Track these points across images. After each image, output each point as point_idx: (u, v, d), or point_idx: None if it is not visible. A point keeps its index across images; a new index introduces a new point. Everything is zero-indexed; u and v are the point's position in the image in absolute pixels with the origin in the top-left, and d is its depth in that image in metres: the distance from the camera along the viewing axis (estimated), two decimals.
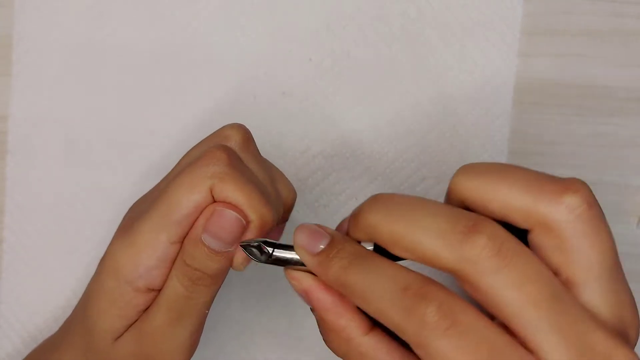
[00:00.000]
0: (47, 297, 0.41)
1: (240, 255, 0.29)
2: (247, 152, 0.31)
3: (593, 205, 0.24)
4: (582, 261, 0.23)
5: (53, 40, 0.41)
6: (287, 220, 0.35)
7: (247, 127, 0.41)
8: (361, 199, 0.41)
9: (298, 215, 0.41)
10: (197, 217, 0.28)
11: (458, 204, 0.26)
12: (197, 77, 0.41)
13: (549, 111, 0.42)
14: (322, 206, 0.41)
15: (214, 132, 0.32)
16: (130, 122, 0.41)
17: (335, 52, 0.41)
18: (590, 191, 0.24)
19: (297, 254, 0.27)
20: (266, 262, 0.27)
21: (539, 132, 0.42)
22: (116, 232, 0.31)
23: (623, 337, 0.24)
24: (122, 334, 0.30)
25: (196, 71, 0.41)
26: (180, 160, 0.33)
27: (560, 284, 0.23)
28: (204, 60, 0.41)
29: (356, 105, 0.41)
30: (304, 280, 0.27)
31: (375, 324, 0.26)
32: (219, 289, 0.30)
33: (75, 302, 0.40)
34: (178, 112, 0.41)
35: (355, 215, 0.26)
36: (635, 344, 0.25)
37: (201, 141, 0.33)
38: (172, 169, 0.33)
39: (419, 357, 0.23)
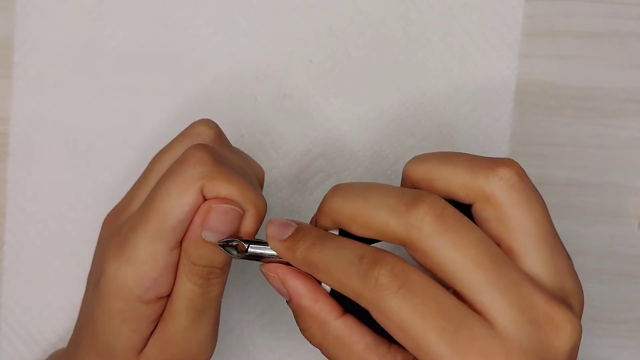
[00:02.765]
0: (49, 299, 0.41)
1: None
2: (222, 145, 0.32)
3: (524, 177, 0.26)
4: (519, 228, 0.26)
5: (54, 43, 0.41)
6: None
7: (248, 128, 0.42)
8: None
9: (299, 216, 0.41)
10: (191, 219, 0.29)
11: (410, 186, 0.29)
12: (197, 78, 0.41)
13: (549, 112, 0.42)
14: None
15: (184, 131, 0.32)
16: (131, 124, 0.41)
17: (336, 54, 0.41)
18: (520, 167, 0.27)
19: (268, 242, 0.29)
20: (243, 257, 0.29)
21: (539, 134, 0.42)
22: (109, 251, 0.30)
23: (564, 301, 0.26)
24: (144, 347, 0.31)
25: (197, 73, 0.41)
26: (151, 162, 0.33)
27: (500, 250, 0.25)
28: (205, 61, 0.41)
29: (357, 106, 0.41)
30: (279, 269, 0.28)
31: (346, 311, 0.28)
32: (227, 276, 0.31)
33: (76, 303, 0.41)
34: (179, 114, 0.41)
35: (320, 205, 0.29)
36: (581, 313, 0.27)
37: (171, 142, 0.33)
38: (144, 175, 0.33)
39: (377, 320, 0.25)
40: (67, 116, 0.41)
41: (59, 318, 0.41)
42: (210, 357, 0.32)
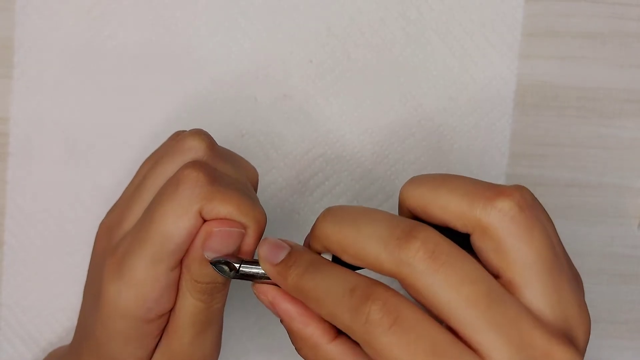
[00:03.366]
0: (48, 299, 0.41)
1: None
2: (215, 156, 0.31)
3: (525, 208, 0.25)
4: (519, 261, 0.24)
5: (53, 43, 0.41)
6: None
7: (248, 128, 0.42)
8: (362, 202, 0.41)
9: (299, 217, 0.41)
10: (191, 241, 0.28)
11: (407, 212, 0.28)
12: (197, 78, 0.41)
13: (549, 113, 0.42)
14: (323, 208, 0.41)
15: (175, 145, 0.31)
16: (131, 124, 0.41)
17: (336, 54, 0.41)
18: (525, 195, 0.25)
19: (260, 265, 0.28)
20: (234, 277, 0.28)
21: (540, 134, 0.42)
22: (106, 274, 0.29)
23: (568, 336, 0.24)
24: None
25: (197, 73, 0.41)
26: (145, 181, 0.31)
27: (499, 285, 0.24)
28: (205, 62, 0.41)
29: (357, 107, 0.41)
30: (270, 292, 0.28)
31: (340, 332, 0.27)
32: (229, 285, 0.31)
33: (76, 303, 0.41)
34: (178, 114, 0.41)
35: (312, 228, 0.28)
36: (586, 344, 0.26)
37: (161, 156, 0.32)
38: (136, 190, 0.32)
39: (370, 357, 0.24)
40: (67, 116, 0.41)
41: (58, 318, 0.41)
42: None
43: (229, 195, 0.28)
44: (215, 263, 0.28)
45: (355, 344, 0.27)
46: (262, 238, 0.29)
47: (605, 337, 0.42)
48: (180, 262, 0.29)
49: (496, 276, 0.25)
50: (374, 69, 0.41)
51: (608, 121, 0.42)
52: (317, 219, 0.28)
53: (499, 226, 0.24)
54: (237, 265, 0.28)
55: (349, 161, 0.41)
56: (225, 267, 0.28)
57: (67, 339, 0.41)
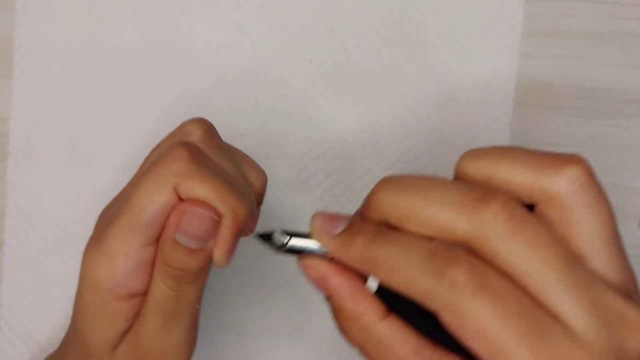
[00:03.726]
0: (48, 299, 0.41)
1: (219, 251, 0.28)
2: (211, 145, 0.30)
3: (592, 176, 0.24)
4: (587, 232, 0.24)
5: (54, 43, 0.41)
6: (261, 204, 0.34)
7: (248, 128, 0.42)
8: (362, 201, 0.41)
9: (299, 216, 0.41)
10: (167, 218, 0.28)
11: None
12: (198, 78, 0.41)
13: (549, 113, 0.42)
14: (324, 207, 0.41)
15: (175, 129, 0.31)
16: (131, 124, 0.41)
17: (336, 54, 0.41)
18: (589, 164, 0.25)
19: (315, 238, 0.26)
20: (281, 250, 0.27)
21: (539, 134, 0.42)
22: (88, 242, 0.30)
23: (632, 300, 0.24)
24: (118, 344, 0.30)
25: (197, 73, 0.41)
26: (144, 161, 0.32)
27: (573, 252, 0.24)
28: (205, 61, 0.41)
29: (357, 106, 0.41)
30: (321, 266, 0.26)
31: (391, 311, 0.26)
32: (205, 283, 0.30)
33: None
34: (179, 113, 0.41)
35: (368, 199, 0.26)
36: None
37: (163, 139, 0.32)
38: (138, 171, 0.32)
39: (446, 324, 0.23)
40: (67, 116, 0.41)
41: (58, 318, 0.41)
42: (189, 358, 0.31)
43: (207, 177, 0.27)
44: (262, 235, 0.27)
45: (406, 323, 0.26)
46: (315, 212, 0.27)
47: None
48: (156, 241, 0.28)
49: None
50: (374, 69, 0.41)
51: (608, 121, 0.42)
52: (374, 189, 0.26)
53: (568, 193, 0.24)
54: (284, 239, 0.27)
55: (349, 160, 0.41)
56: (273, 239, 0.27)
57: None
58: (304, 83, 0.41)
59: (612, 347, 0.23)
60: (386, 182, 0.26)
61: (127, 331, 0.30)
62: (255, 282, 0.42)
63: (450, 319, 0.23)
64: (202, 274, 0.29)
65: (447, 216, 0.23)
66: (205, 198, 0.27)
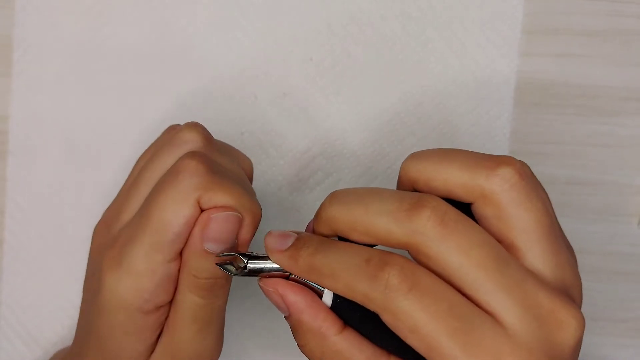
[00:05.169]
0: (48, 298, 0.41)
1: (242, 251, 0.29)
2: (212, 149, 0.31)
3: (525, 176, 0.26)
4: (520, 227, 0.26)
5: (53, 41, 0.41)
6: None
7: (248, 127, 0.42)
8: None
9: (299, 215, 0.41)
10: (189, 231, 0.28)
11: (408, 186, 0.28)
12: (197, 77, 0.41)
13: (549, 111, 0.42)
14: None
15: (171, 138, 0.31)
16: (130, 123, 0.41)
17: (336, 52, 0.41)
18: (524, 165, 0.27)
19: (268, 254, 0.28)
20: (242, 274, 0.28)
21: (539, 132, 0.42)
22: (104, 265, 0.29)
23: (567, 295, 0.26)
24: (148, 356, 0.31)
25: (197, 71, 0.41)
26: (142, 173, 0.31)
27: (503, 249, 0.25)
28: (205, 60, 0.41)
29: (357, 105, 0.41)
30: (278, 285, 0.28)
31: (346, 325, 0.27)
32: (231, 283, 0.31)
33: (76, 302, 0.41)
34: (178, 112, 0.41)
35: (317, 213, 0.28)
36: (580, 304, 0.27)
37: (158, 149, 0.32)
38: (133, 184, 0.32)
39: (387, 323, 0.25)
40: (66, 115, 0.41)
41: (58, 317, 0.41)
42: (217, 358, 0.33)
43: (226, 185, 0.28)
44: (221, 265, 0.28)
45: (362, 336, 0.27)
46: (268, 231, 0.29)
47: (604, 335, 0.42)
48: (179, 255, 0.29)
49: (498, 241, 0.26)
50: (374, 67, 0.41)
51: (608, 119, 0.42)
52: (322, 204, 0.28)
53: (501, 192, 0.25)
54: (245, 261, 0.28)
55: (348, 159, 0.41)
56: (231, 267, 0.28)
57: (68, 338, 0.41)
58: (303, 81, 0.41)
59: (541, 340, 0.24)
60: (332, 197, 0.28)
61: (155, 342, 0.31)
62: (256, 282, 0.42)
63: (388, 319, 0.25)
64: (229, 277, 0.30)
65: (384, 225, 0.25)
66: (226, 204, 0.28)
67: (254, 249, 0.29)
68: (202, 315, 0.30)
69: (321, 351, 0.27)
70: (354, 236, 0.26)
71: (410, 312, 0.24)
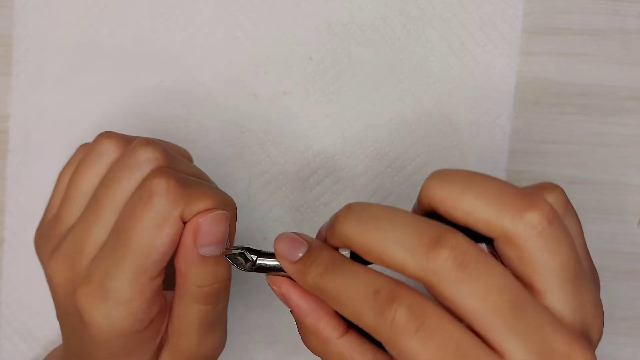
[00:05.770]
0: (48, 297, 0.41)
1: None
2: (171, 160, 0.30)
3: (554, 220, 0.24)
4: (543, 272, 0.25)
5: (53, 40, 0.41)
6: None
7: (248, 125, 0.42)
8: (362, 198, 0.41)
9: (299, 214, 0.41)
10: (175, 247, 0.28)
11: (427, 207, 0.27)
12: (197, 76, 0.41)
13: (550, 110, 0.42)
14: (323, 205, 0.41)
15: (127, 159, 0.30)
16: (130, 122, 0.41)
17: (336, 51, 0.41)
18: (556, 203, 0.26)
19: (278, 261, 0.28)
20: (250, 270, 0.28)
21: (540, 131, 0.42)
22: (87, 303, 0.28)
23: (585, 337, 0.25)
24: None
25: (197, 70, 0.41)
26: (102, 201, 0.30)
27: (523, 290, 0.24)
28: (205, 59, 0.41)
29: (357, 104, 0.41)
30: (284, 286, 0.28)
31: (350, 326, 0.27)
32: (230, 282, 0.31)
33: None
34: (178, 111, 0.41)
35: (331, 225, 0.27)
36: (599, 340, 0.26)
37: (114, 173, 0.30)
38: (92, 212, 0.30)
39: (392, 356, 0.24)
40: (66, 113, 0.41)
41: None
42: (222, 350, 0.33)
43: (202, 191, 0.29)
44: (230, 256, 0.28)
45: (364, 337, 0.27)
46: (280, 234, 0.29)
47: (605, 333, 0.42)
48: (164, 269, 0.29)
49: (518, 278, 0.25)
50: (374, 66, 0.41)
51: (608, 118, 0.42)
52: (337, 215, 0.27)
53: (526, 239, 0.24)
54: (253, 258, 0.28)
55: (349, 158, 0.41)
56: (241, 259, 0.28)
57: None
58: (304, 80, 0.41)
59: None
60: (348, 212, 0.27)
61: (157, 348, 0.31)
62: (255, 279, 0.42)
63: (392, 353, 0.24)
64: (230, 277, 0.30)
65: (400, 256, 0.24)
66: (209, 207, 0.29)
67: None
68: (209, 320, 0.30)
69: (323, 351, 0.27)
70: (368, 258, 0.26)
71: (416, 352, 0.23)
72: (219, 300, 0.30)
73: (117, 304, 0.28)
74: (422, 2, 0.41)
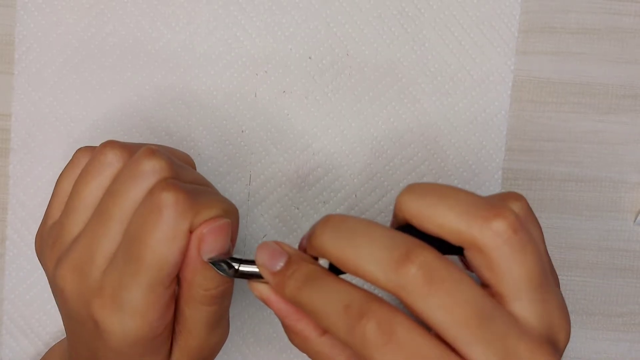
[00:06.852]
0: (50, 294, 0.42)
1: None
2: (176, 170, 0.31)
3: (519, 229, 0.26)
4: (510, 280, 0.26)
5: (55, 39, 0.41)
6: None
7: (248, 124, 0.42)
8: (360, 196, 0.42)
9: (298, 212, 0.42)
10: (183, 258, 0.29)
11: (402, 219, 0.28)
12: (197, 75, 0.42)
13: (546, 108, 0.42)
14: (322, 203, 0.42)
15: (133, 170, 0.30)
16: (132, 120, 0.42)
17: (334, 50, 0.42)
18: (520, 212, 0.27)
19: (259, 270, 0.29)
20: (233, 276, 0.29)
21: (536, 129, 0.42)
22: (102, 315, 0.29)
23: (550, 342, 0.26)
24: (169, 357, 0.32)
25: (197, 69, 0.41)
26: (111, 210, 0.30)
27: (489, 299, 0.25)
28: (205, 58, 0.41)
29: (355, 103, 0.42)
30: (264, 291, 0.29)
31: None
32: None
33: None
34: (178, 110, 0.42)
35: (309, 237, 0.28)
36: (567, 342, 0.27)
37: (121, 183, 0.30)
38: (99, 222, 0.30)
39: None
40: (68, 112, 0.41)
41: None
42: (226, 339, 0.34)
43: (208, 200, 0.30)
44: (214, 263, 0.29)
45: None
46: (261, 243, 0.30)
47: (600, 329, 0.42)
48: (177, 276, 0.30)
49: (486, 285, 0.26)
50: (372, 66, 0.42)
51: (604, 116, 0.42)
52: (315, 228, 0.28)
53: (493, 247, 0.25)
54: (235, 266, 0.29)
55: (347, 156, 0.42)
56: (225, 266, 0.29)
57: None
58: (302, 79, 0.42)
59: None
60: (325, 225, 0.28)
61: (169, 348, 0.32)
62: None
63: None
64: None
65: (372, 271, 0.26)
66: (214, 216, 0.29)
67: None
68: (215, 317, 0.31)
69: (305, 348, 0.29)
70: (343, 269, 0.27)
71: None
72: (224, 299, 0.31)
73: (134, 314, 0.29)
74: (420, 1, 0.41)
